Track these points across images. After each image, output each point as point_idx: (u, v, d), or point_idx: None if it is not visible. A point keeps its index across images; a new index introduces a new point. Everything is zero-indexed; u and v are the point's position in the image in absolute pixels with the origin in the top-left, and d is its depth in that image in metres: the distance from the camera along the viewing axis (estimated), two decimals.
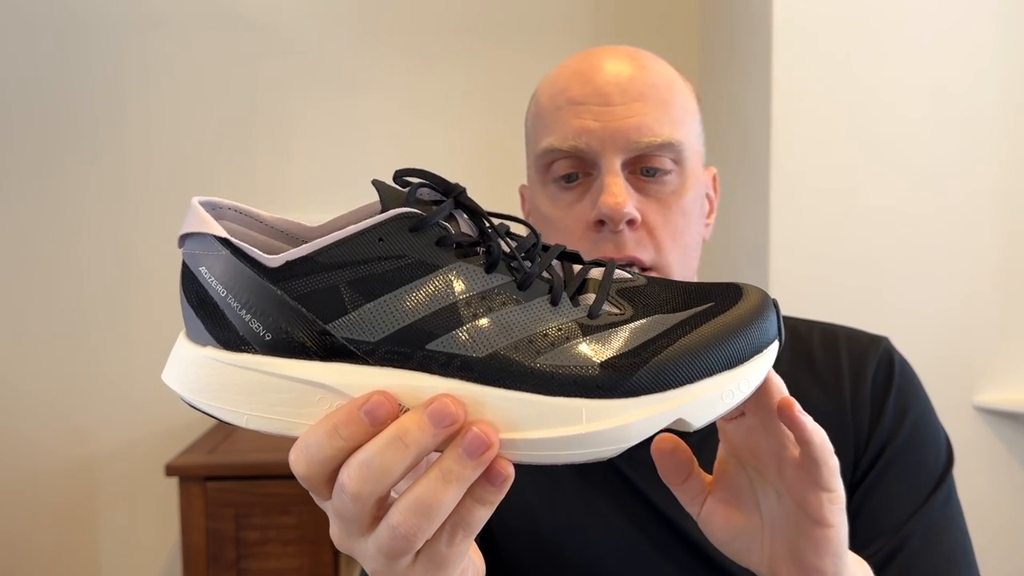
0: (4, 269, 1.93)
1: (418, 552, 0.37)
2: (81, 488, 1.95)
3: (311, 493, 0.38)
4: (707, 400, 0.36)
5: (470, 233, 0.38)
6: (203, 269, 0.37)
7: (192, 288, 0.38)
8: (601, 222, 0.63)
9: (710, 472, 0.49)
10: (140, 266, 1.94)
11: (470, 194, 0.40)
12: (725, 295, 0.39)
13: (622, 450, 0.36)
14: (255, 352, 0.36)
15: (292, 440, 0.36)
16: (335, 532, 0.38)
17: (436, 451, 0.35)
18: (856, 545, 0.65)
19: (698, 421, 0.36)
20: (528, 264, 0.38)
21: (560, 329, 0.36)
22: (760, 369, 0.38)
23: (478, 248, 0.38)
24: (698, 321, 0.37)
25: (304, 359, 0.36)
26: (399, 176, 0.39)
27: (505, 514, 0.66)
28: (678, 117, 0.65)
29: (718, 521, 0.47)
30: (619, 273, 0.40)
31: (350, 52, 1.95)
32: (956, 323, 1.55)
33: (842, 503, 0.44)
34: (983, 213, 1.54)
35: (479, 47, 1.98)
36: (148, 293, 1.93)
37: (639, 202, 0.64)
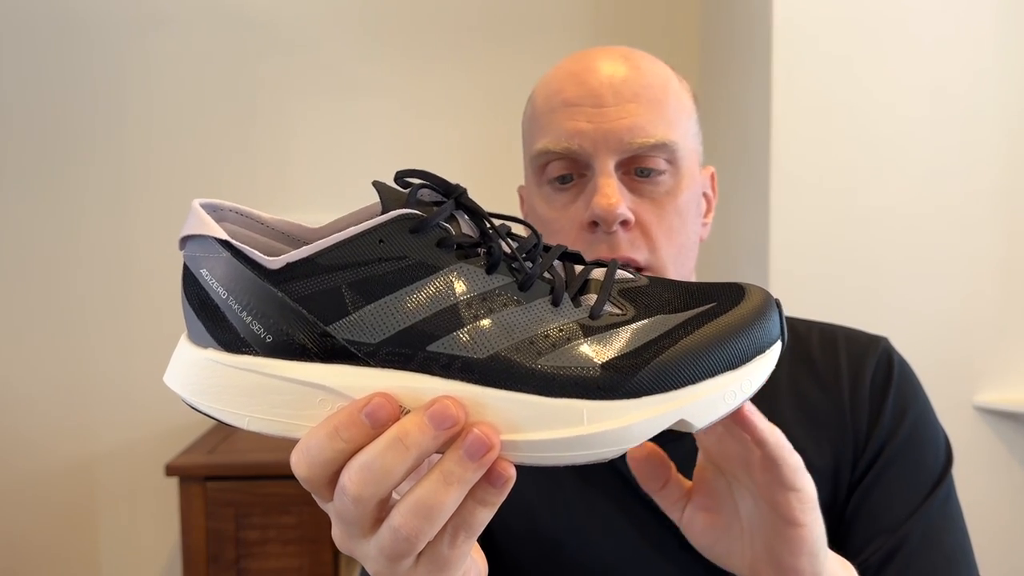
0: (4, 269, 1.93)
1: (420, 554, 0.37)
2: (81, 488, 1.95)
3: (313, 495, 0.38)
4: (709, 401, 0.36)
5: (471, 234, 0.38)
6: (204, 271, 0.37)
7: (193, 290, 0.38)
8: (595, 223, 0.63)
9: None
10: (140, 266, 1.94)
11: (471, 195, 0.40)
12: (727, 295, 0.39)
13: (624, 451, 0.36)
14: (256, 354, 0.36)
15: (293, 442, 0.36)
16: (337, 534, 0.38)
17: (437, 453, 0.35)
18: (855, 544, 0.65)
19: (700, 422, 0.36)
20: (529, 265, 0.38)
21: (561, 330, 0.36)
22: (763, 369, 0.38)
23: (479, 249, 0.38)
24: (700, 321, 0.37)
25: (305, 361, 0.36)
26: (400, 177, 0.39)
27: (506, 515, 0.66)
28: (672, 117, 0.65)
29: (698, 526, 0.48)
30: (621, 273, 0.40)
31: (350, 52, 1.95)
32: (956, 323, 1.55)
33: (811, 502, 0.44)
34: (983, 213, 1.54)
35: (479, 47, 1.98)
36: (148, 294, 1.93)
37: (633, 203, 0.64)
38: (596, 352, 0.36)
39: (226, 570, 1.50)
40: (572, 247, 0.64)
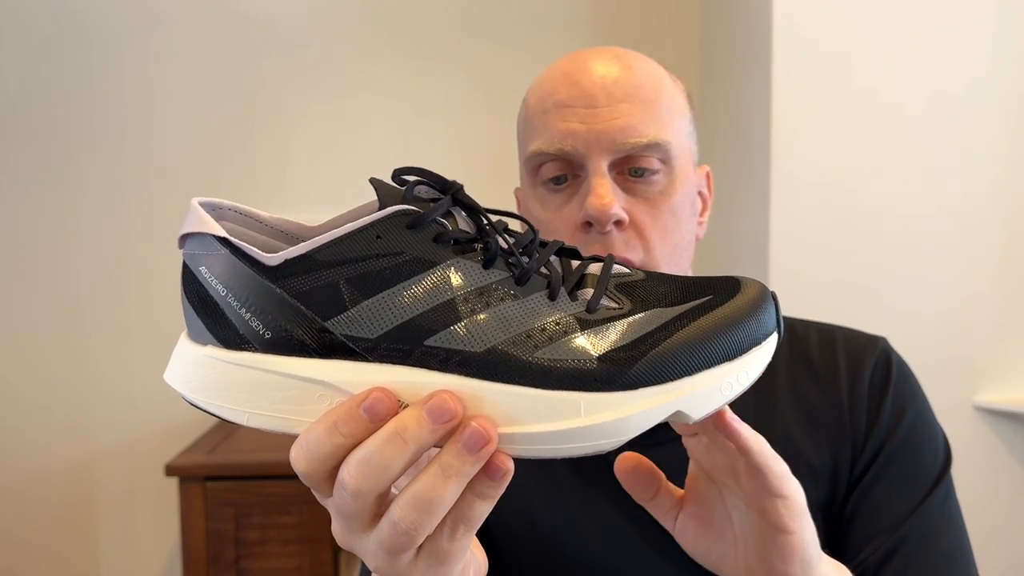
0: (4, 269, 1.93)
1: (420, 547, 0.37)
2: (81, 488, 1.95)
3: (313, 490, 0.38)
4: (706, 392, 0.36)
5: (468, 230, 0.38)
6: (203, 269, 0.37)
7: (193, 288, 0.38)
8: (589, 224, 0.63)
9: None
10: (140, 266, 1.94)
11: (471, 193, 0.40)
12: (723, 288, 0.39)
13: (621, 443, 0.36)
14: (255, 350, 0.37)
15: (293, 438, 0.37)
16: (337, 529, 0.39)
17: (436, 447, 0.36)
18: (854, 544, 0.65)
19: (697, 413, 0.36)
20: (526, 260, 0.38)
21: (558, 323, 0.37)
22: (759, 361, 0.38)
23: (476, 244, 0.38)
24: (696, 314, 0.37)
25: (304, 357, 0.36)
26: (397, 175, 0.39)
27: (504, 514, 0.66)
28: (665, 117, 0.65)
29: (691, 534, 0.48)
30: (617, 268, 0.40)
31: (350, 52, 1.96)
32: (956, 323, 1.55)
33: (800, 508, 0.44)
34: (983, 213, 1.54)
35: (479, 47, 1.98)
36: (148, 293, 1.93)
37: (627, 203, 0.64)
38: (593, 345, 0.36)
39: (226, 570, 1.50)
40: None
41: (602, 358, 0.36)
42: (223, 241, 0.37)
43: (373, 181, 0.39)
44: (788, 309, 0.66)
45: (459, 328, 0.36)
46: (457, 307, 0.36)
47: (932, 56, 1.51)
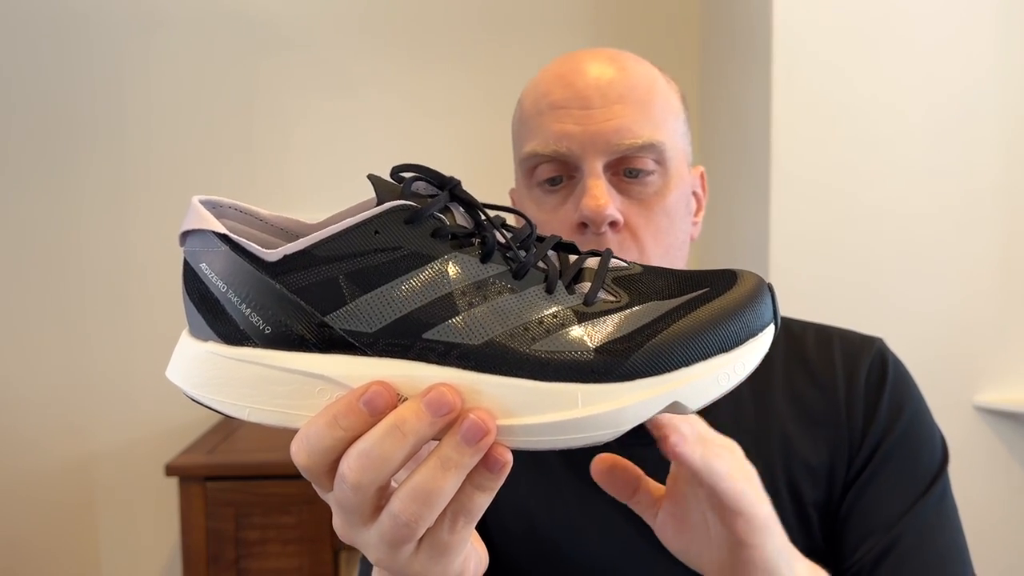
0: (4, 269, 1.93)
1: (420, 540, 0.37)
2: (80, 488, 1.95)
3: (314, 485, 0.38)
4: (703, 383, 0.36)
5: (465, 224, 0.39)
6: (203, 265, 0.38)
7: (193, 285, 0.38)
8: (584, 224, 0.63)
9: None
10: (140, 265, 1.94)
11: (470, 192, 0.40)
12: (720, 281, 0.39)
13: (619, 434, 0.36)
14: (256, 346, 0.37)
15: (293, 433, 0.37)
16: (338, 523, 0.39)
17: (435, 440, 0.36)
18: (850, 542, 0.65)
19: (694, 404, 0.36)
20: (523, 254, 0.38)
21: (556, 316, 0.37)
22: (756, 352, 0.38)
23: (473, 239, 0.38)
24: (693, 305, 0.37)
25: (304, 351, 0.36)
26: (396, 171, 0.40)
27: (502, 514, 0.67)
28: (659, 118, 0.65)
29: (670, 532, 0.49)
30: (615, 262, 0.40)
31: (350, 50, 1.96)
32: (956, 323, 1.55)
33: (761, 523, 0.45)
34: (983, 213, 1.54)
35: (479, 46, 1.98)
36: (148, 293, 1.93)
37: (622, 204, 0.64)
38: (590, 336, 0.36)
39: (226, 570, 1.50)
40: None
41: (599, 349, 0.36)
42: (223, 238, 0.37)
43: (371, 177, 0.39)
44: (788, 309, 0.66)
45: (457, 321, 0.36)
46: (455, 301, 0.36)
47: (932, 57, 1.51)
